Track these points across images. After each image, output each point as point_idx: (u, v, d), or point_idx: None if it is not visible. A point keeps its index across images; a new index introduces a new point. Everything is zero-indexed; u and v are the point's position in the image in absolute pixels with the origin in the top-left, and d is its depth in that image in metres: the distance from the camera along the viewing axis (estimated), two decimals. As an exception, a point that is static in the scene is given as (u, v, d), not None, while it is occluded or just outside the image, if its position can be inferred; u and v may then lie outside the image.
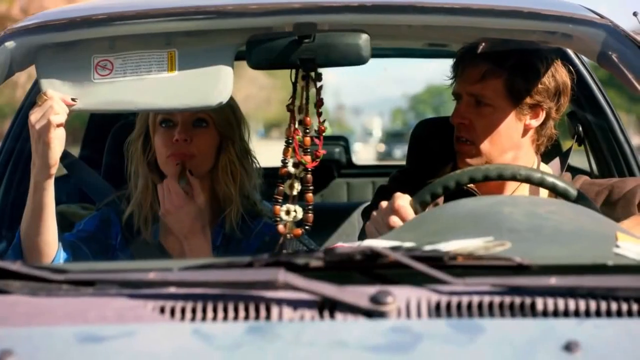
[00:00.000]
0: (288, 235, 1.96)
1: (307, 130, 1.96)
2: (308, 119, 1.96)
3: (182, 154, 2.12)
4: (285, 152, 1.97)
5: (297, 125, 1.97)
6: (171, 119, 2.14)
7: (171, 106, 1.89)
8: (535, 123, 2.11)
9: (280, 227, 1.96)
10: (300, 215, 1.96)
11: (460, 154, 2.14)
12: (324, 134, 1.97)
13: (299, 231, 1.97)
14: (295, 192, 1.96)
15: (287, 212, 1.96)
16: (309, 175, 1.98)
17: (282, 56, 1.84)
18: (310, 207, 1.97)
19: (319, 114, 1.98)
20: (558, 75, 2.10)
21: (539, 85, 2.07)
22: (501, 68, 2.07)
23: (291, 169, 1.96)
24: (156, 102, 1.88)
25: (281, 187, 1.97)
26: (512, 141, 2.11)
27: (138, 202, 2.20)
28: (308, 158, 1.96)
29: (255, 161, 2.27)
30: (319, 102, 1.97)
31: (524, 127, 2.11)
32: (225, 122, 2.19)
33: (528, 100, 2.08)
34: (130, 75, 1.86)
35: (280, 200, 1.97)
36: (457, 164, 2.15)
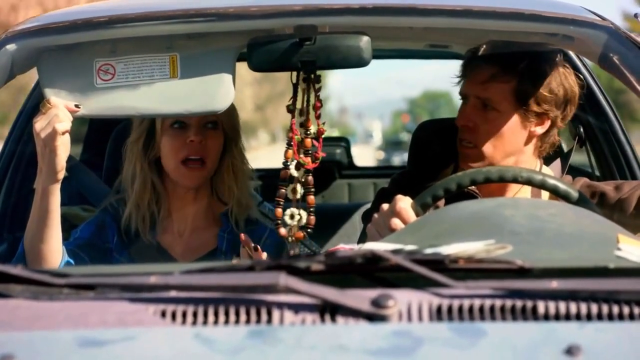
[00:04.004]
0: (290, 239, 1.96)
1: (308, 132, 1.97)
2: (310, 121, 1.97)
3: (196, 154, 2.13)
4: (286, 154, 1.97)
5: (297, 127, 1.97)
6: (184, 120, 2.15)
7: (174, 111, 1.90)
8: (540, 130, 2.10)
9: (282, 230, 1.96)
10: (304, 219, 1.96)
11: (463, 156, 2.13)
12: (323, 136, 1.97)
13: (302, 234, 1.97)
14: (298, 196, 1.96)
15: (292, 216, 1.96)
16: (310, 177, 1.98)
17: (283, 58, 1.85)
18: (312, 209, 1.97)
19: (318, 116, 1.98)
20: (567, 83, 2.08)
21: (548, 94, 2.06)
22: (510, 72, 2.06)
23: (294, 172, 1.96)
24: (159, 108, 1.88)
25: (283, 190, 1.97)
26: (515, 147, 2.10)
27: (135, 202, 2.20)
28: (308, 159, 1.96)
29: (247, 162, 2.28)
30: (317, 104, 1.97)
31: (528, 134, 2.09)
32: (232, 124, 2.21)
33: (535, 107, 2.06)
34: (133, 80, 1.86)
35: (282, 203, 1.97)
36: (460, 166, 2.14)
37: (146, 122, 2.21)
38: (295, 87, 1.96)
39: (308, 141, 1.97)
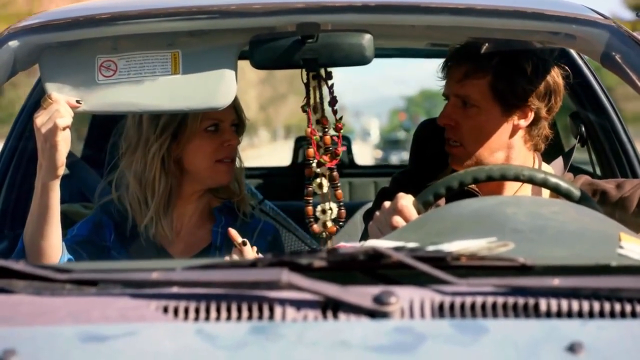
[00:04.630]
0: (323, 234, 1.99)
1: (326, 129, 1.98)
2: (325, 117, 1.98)
3: (230, 156, 2.18)
4: (307, 153, 2.00)
5: (314, 125, 1.98)
6: (219, 124, 2.17)
7: (176, 107, 1.89)
8: (524, 123, 2.09)
9: (315, 227, 1.99)
10: (335, 212, 1.99)
11: (451, 156, 2.14)
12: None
13: (334, 228, 1.99)
14: (325, 190, 1.99)
15: (324, 211, 1.98)
16: (335, 173, 2.00)
17: (285, 56, 1.85)
18: (341, 203, 2.01)
19: (334, 112, 1.99)
20: (549, 75, 2.08)
21: (527, 86, 2.05)
22: (485, 68, 2.06)
23: (317, 169, 1.99)
24: (160, 104, 1.88)
25: (310, 188, 2.00)
26: (500, 141, 2.09)
27: (137, 199, 2.20)
28: (327, 157, 1.98)
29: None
30: (333, 101, 1.98)
31: (512, 128, 2.09)
32: (243, 121, 2.23)
33: (514, 100, 2.06)
34: (134, 76, 1.86)
35: (310, 201, 2.00)
36: (450, 165, 2.15)
37: (174, 123, 2.16)
38: (307, 86, 1.97)
39: (328, 138, 1.99)
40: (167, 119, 2.15)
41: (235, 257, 1.98)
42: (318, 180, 2.00)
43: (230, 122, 2.18)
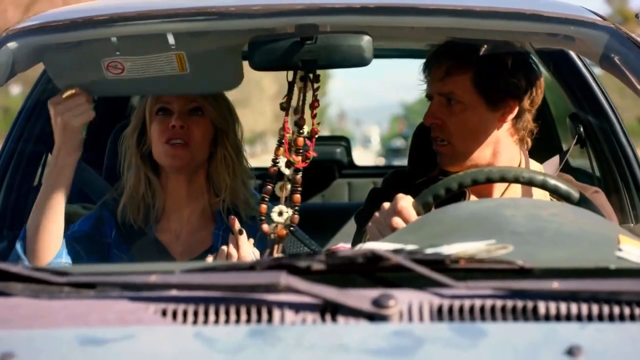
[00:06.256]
0: (272, 236, 1.96)
1: (301, 131, 1.96)
2: (303, 119, 1.97)
3: (177, 138, 2.17)
4: (276, 151, 1.97)
5: (289, 125, 1.97)
6: (167, 107, 2.19)
7: (184, 91, 2.03)
8: (509, 117, 2.10)
9: (265, 227, 1.96)
10: (289, 216, 1.96)
11: (439, 155, 2.12)
12: (317, 135, 1.98)
13: (284, 232, 1.96)
14: (286, 193, 1.96)
15: (280, 213, 1.95)
16: (299, 176, 1.97)
17: (284, 57, 1.85)
18: (297, 207, 1.96)
19: (314, 115, 1.98)
20: (529, 67, 2.09)
21: (509, 79, 2.06)
22: (466, 64, 2.06)
23: (284, 170, 1.96)
24: (169, 89, 2.02)
25: (269, 187, 1.97)
26: (487, 136, 2.09)
27: (130, 194, 2.22)
28: (298, 158, 1.96)
29: (247, 161, 2.29)
30: (315, 103, 1.97)
31: (498, 122, 2.09)
32: (220, 114, 2.23)
33: (499, 94, 2.06)
34: (143, 74, 1.94)
35: (267, 200, 1.97)
36: (439, 165, 2.14)
37: (140, 113, 2.24)
38: (290, 85, 1.96)
39: (300, 140, 1.95)
40: (136, 116, 2.24)
41: (232, 246, 1.98)
42: (281, 182, 1.97)
43: (181, 107, 2.18)
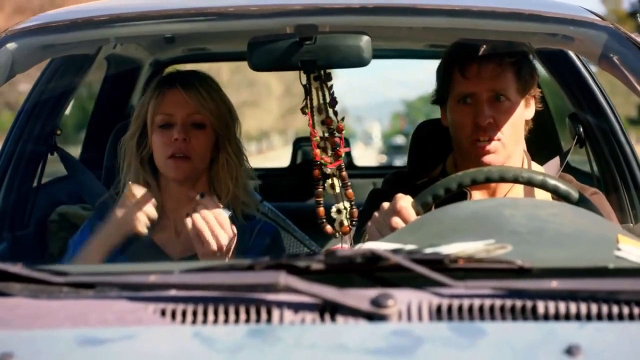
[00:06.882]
0: (337, 235, 1.99)
1: (331, 129, 1.98)
2: (330, 118, 1.98)
3: (180, 152, 2.16)
4: (314, 155, 2.00)
5: (319, 126, 1.98)
6: (170, 121, 2.18)
7: None
8: (531, 113, 2.12)
9: (328, 227, 1.99)
10: (349, 211, 1.99)
11: (482, 154, 2.05)
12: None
13: (348, 228, 1.99)
14: (337, 190, 1.99)
15: (338, 211, 1.98)
16: (344, 173, 2.00)
17: (283, 58, 1.85)
18: (353, 202, 2.01)
19: (335, 113, 1.99)
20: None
21: (535, 75, 2.11)
22: (508, 61, 2.07)
23: (326, 170, 1.99)
24: None
25: (320, 189, 2.00)
26: (521, 133, 2.11)
27: None
28: (328, 159, 1.98)
29: (247, 161, 2.29)
30: (333, 102, 1.98)
31: (525, 118, 2.12)
32: (223, 123, 2.22)
33: (532, 91, 2.10)
34: None
35: (321, 202, 2.00)
36: (476, 165, 2.03)
37: (140, 120, 2.23)
38: (305, 87, 1.97)
39: (336, 139, 1.98)
40: (136, 122, 2.24)
41: (197, 215, 1.99)
42: (329, 180, 1.99)
43: (183, 119, 2.17)
